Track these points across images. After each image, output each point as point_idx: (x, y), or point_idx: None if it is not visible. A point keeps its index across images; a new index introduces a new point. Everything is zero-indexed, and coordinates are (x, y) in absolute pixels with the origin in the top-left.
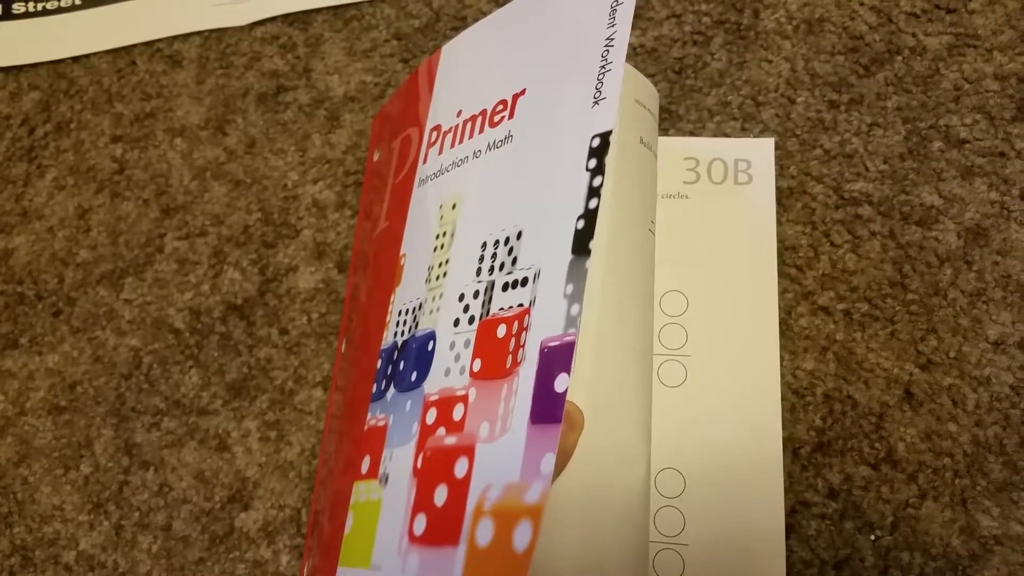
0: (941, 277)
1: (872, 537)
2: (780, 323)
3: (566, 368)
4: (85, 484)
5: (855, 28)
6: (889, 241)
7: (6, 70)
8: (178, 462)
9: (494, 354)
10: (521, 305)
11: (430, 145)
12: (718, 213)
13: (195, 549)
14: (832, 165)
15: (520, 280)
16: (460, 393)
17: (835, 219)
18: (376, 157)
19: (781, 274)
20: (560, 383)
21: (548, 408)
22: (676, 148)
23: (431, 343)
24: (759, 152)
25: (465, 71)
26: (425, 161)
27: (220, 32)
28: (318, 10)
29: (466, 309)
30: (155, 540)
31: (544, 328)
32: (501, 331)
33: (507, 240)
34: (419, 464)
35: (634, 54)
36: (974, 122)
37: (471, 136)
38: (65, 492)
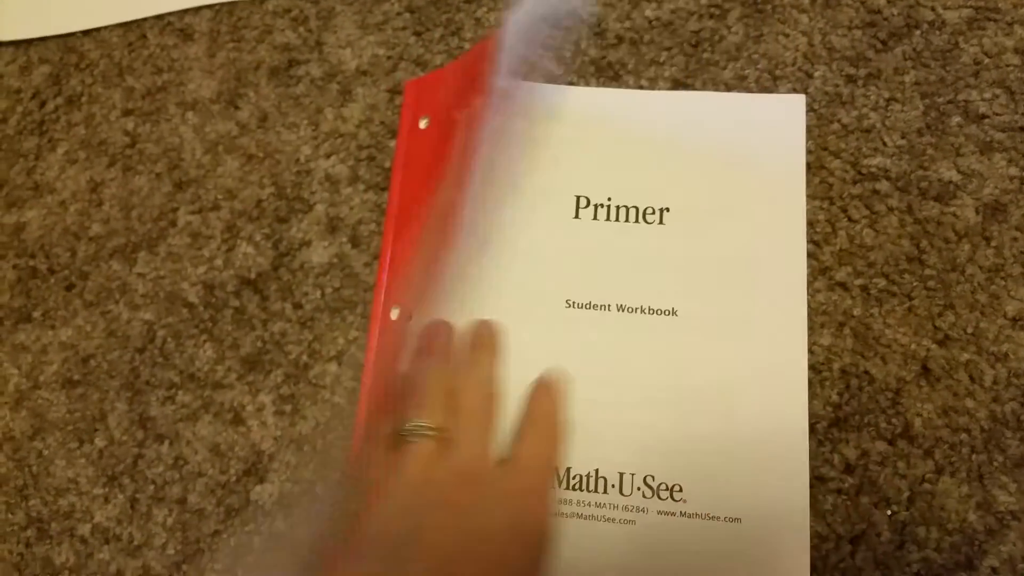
0: (959, 253)
1: (888, 512)
2: None
3: None
4: (100, 457)
5: (873, 2)
6: (907, 216)
7: (16, 43)
8: (193, 435)
9: None
10: None
11: None
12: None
13: (211, 522)
14: (850, 140)
15: None
16: None
17: (853, 194)
18: (423, 125)
19: None
20: None
21: None
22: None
23: None
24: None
25: None
26: None
27: (231, 5)
28: None
29: None
30: (170, 513)
31: None
32: None
33: None
34: None
35: (649, 27)
36: (994, 97)
37: None
38: (80, 465)
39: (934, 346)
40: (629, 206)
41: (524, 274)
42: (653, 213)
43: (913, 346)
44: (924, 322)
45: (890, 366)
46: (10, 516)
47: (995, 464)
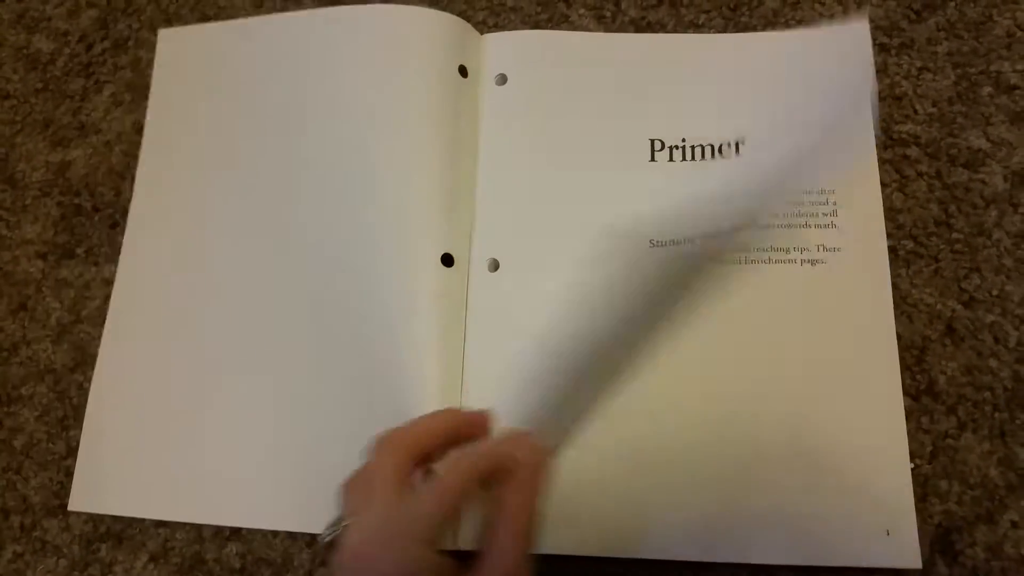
0: (986, 218)
1: (912, 465)
2: None
3: None
4: None
5: None
6: (936, 182)
7: None
8: None
9: None
10: None
11: None
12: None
13: None
14: (881, 107)
15: None
16: None
17: (883, 159)
18: None
19: None
20: None
21: None
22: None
23: None
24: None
25: None
26: None
27: None
28: None
29: None
30: None
31: None
32: None
33: None
34: None
35: None
36: None
37: None
38: None
39: (959, 307)
40: (704, 144)
41: (606, 220)
42: (729, 146)
43: (939, 306)
44: (950, 283)
45: (916, 325)
46: (51, 446)
47: (1017, 422)
